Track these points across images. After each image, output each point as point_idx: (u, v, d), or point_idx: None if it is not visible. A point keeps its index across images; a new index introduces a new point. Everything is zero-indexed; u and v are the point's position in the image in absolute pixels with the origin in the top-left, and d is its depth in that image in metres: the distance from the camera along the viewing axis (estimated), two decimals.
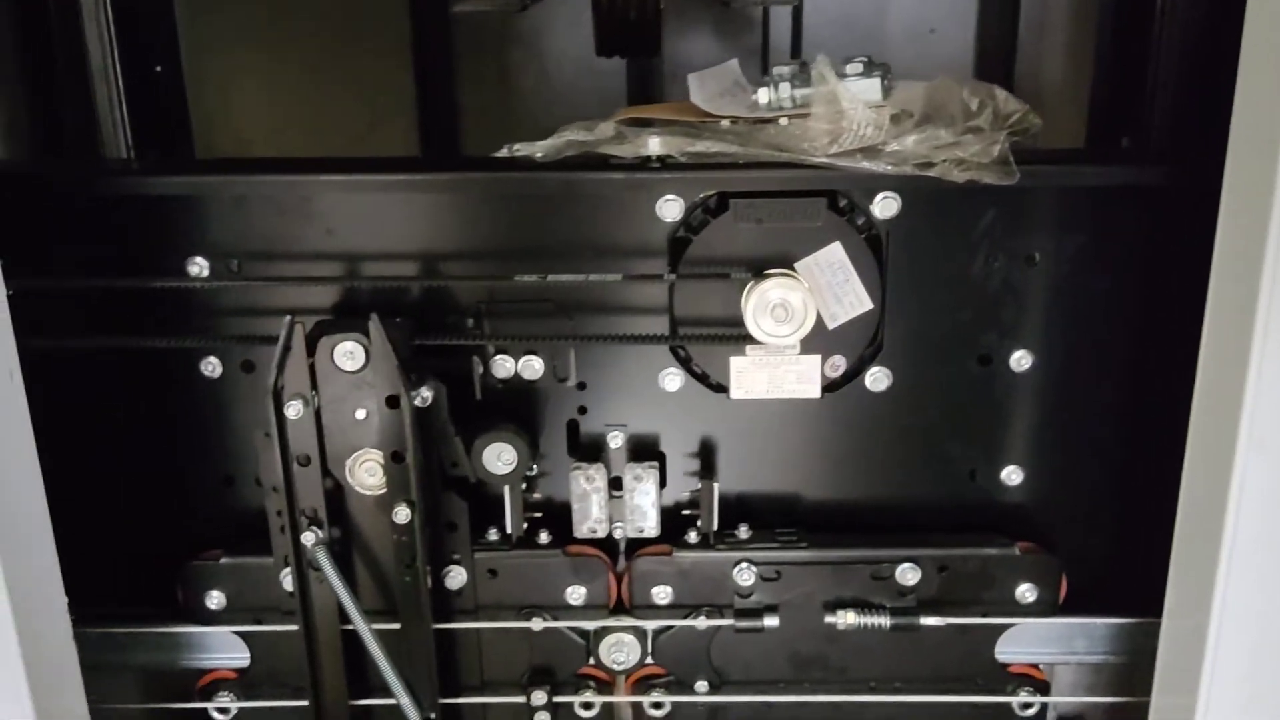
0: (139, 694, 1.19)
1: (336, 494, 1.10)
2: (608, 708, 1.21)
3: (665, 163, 1.05)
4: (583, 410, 1.16)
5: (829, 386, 1.13)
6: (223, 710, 1.20)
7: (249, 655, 1.18)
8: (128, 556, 1.19)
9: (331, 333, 1.04)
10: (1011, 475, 1.16)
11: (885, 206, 1.06)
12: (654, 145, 1.04)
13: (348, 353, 1.04)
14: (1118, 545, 1.18)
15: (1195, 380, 0.92)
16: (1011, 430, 1.15)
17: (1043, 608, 1.14)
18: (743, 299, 1.06)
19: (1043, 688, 1.18)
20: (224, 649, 1.18)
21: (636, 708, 1.21)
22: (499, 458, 1.10)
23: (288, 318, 1.02)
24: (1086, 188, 1.07)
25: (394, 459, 1.07)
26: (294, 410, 1.04)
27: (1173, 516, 0.98)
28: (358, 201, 1.08)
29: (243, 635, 1.17)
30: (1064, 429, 1.15)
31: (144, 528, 1.19)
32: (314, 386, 1.04)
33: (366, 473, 1.08)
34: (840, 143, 1.01)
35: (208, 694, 1.19)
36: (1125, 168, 1.09)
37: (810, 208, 1.06)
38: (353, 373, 1.04)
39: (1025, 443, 1.15)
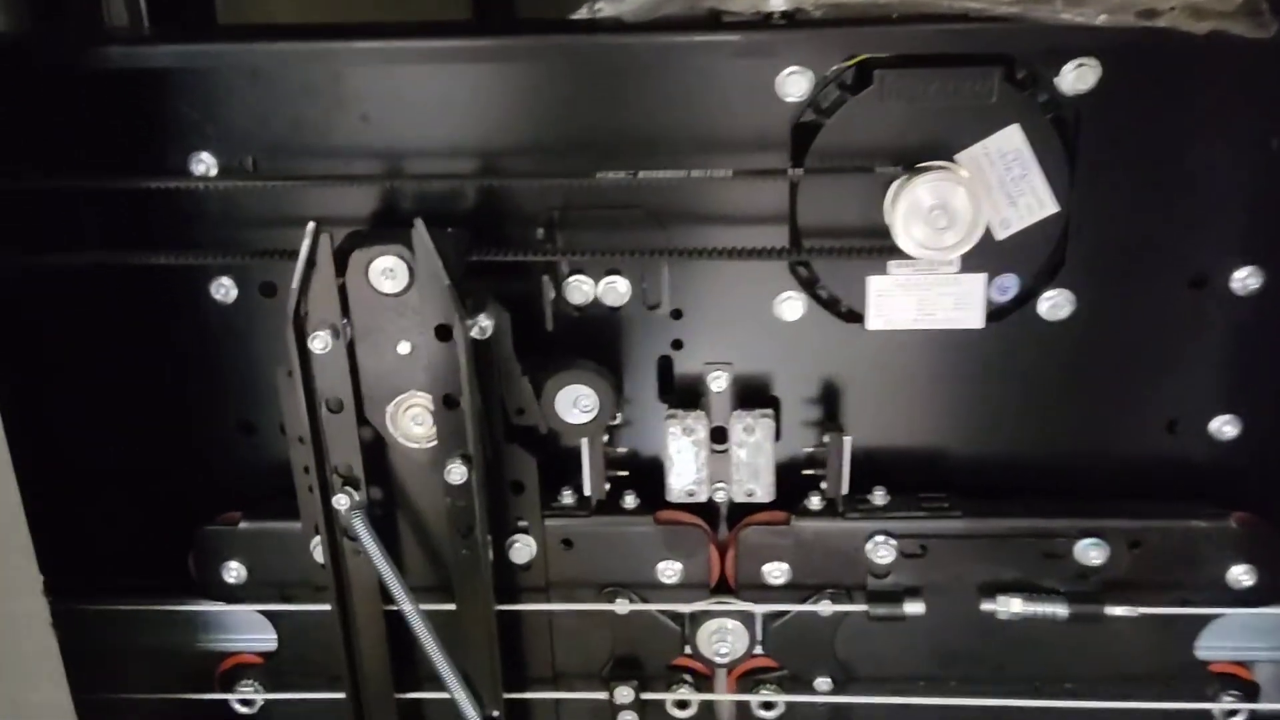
0: (149, 682, 1.00)
1: (377, 448, 0.89)
2: (707, 706, 1.00)
3: (791, 18, 0.81)
4: (678, 344, 0.93)
5: (994, 314, 0.89)
6: (246, 702, 1.00)
7: (276, 638, 0.98)
8: (130, 521, 0.99)
9: (366, 245, 0.82)
10: (1224, 428, 0.92)
11: (1080, 77, 0.81)
12: None
13: (386, 270, 0.82)
14: None
15: None
16: (1226, 371, 0.90)
17: (1262, 593, 0.90)
18: (888, 200, 0.82)
19: (1251, 691, 0.94)
20: (246, 630, 0.98)
21: (742, 707, 0.99)
22: (575, 403, 0.88)
23: (311, 225, 0.80)
24: None
25: (446, 404, 0.85)
26: (320, 343, 0.82)
27: None
28: (399, 78, 0.86)
29: (268, 615, 0.97)
30: None
31: (148, 486, 1.00)
32: (345, 313, 0.83)
33: (413, 421, 0.87)
34: None
35: (229, 682, 1.00)
36: None
37: (980, 79, 0.81)
38: (393, 295, 0.83)
39: (1243, 387, 0.91)
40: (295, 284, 0.81)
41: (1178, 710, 0.94)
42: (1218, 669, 0.95)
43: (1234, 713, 0.95)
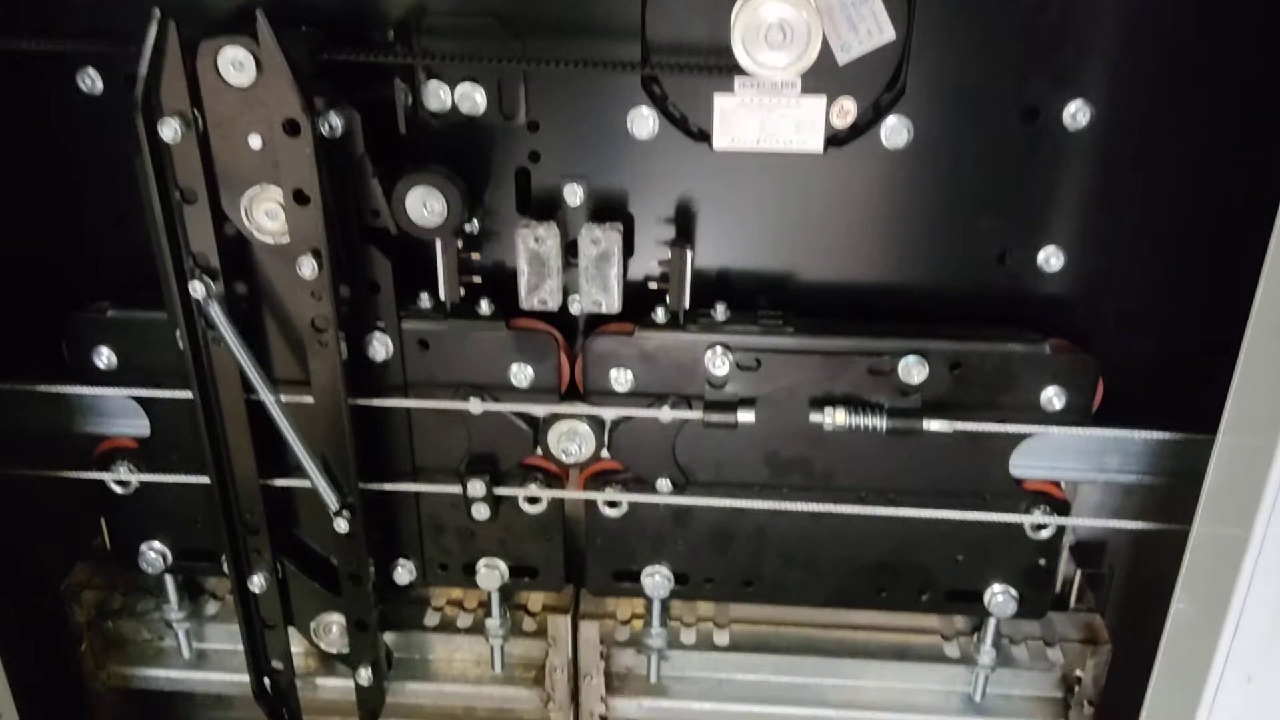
0: (28, 462, 1.05)
1: (240, 245, 0.92)
2: (556, 504, 1.06)
3: None
4: (535, 157, 0.96)
5: (834, 139, 0.92)
6: (121, 483, 1.06)
7: (149, 424, 1.03)
8: (9, 309, 1.03)
9: (213, 35, 0.83)
10: (1050, 259, 0.96)
11: None
12: None
13: (235, 62, 0.84)
14: (1168, 350, 0.99)
15: None
16: (1056, 204, 0.94)
17: (1072, 416, 0.96)
18: (732, 17, 0.84)
19: (1061, 508, 1.01)
20: (120, 415, 1.04)
21: (589, 506, 1.06)
22: (425, 205, 0.91)
23: (156, 12, 0.82)
24: None
25: (296, 199, 0.88)
26: (171, 131, 0.85)
27: (1238, 320, 0.78)
28: None
29: (139, 401, 1.02)
30: (1120, 206, 0.94)
31: (21, 275, 1.03)
32: (196, 104, 0.85)
33: (266, 215, 0.90)
34: None
35: (105, 463, 1.05)
36: None
37: None
38: (243, 89, 0.85)
39: (1071, 220, 0.95)
40: (143, 71, 0.83)
41: (990, 523, 1.01)
42: (1031, 487, 1.01)
43: (1042, 527, 1.02)
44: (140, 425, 1.03)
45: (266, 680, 1.12)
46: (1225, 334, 0.79)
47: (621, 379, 0.98)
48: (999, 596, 1.05)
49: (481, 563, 1.09)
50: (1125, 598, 1.14)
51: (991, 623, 1.10)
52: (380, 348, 0.98)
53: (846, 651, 1.15)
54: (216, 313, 0.91)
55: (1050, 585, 1.06)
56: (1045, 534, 1.02)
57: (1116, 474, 1.00)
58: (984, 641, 1.11)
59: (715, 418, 0.98)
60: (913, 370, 0.95)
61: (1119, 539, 1.14)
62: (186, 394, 0.96)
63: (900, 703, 1.15)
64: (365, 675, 1.10)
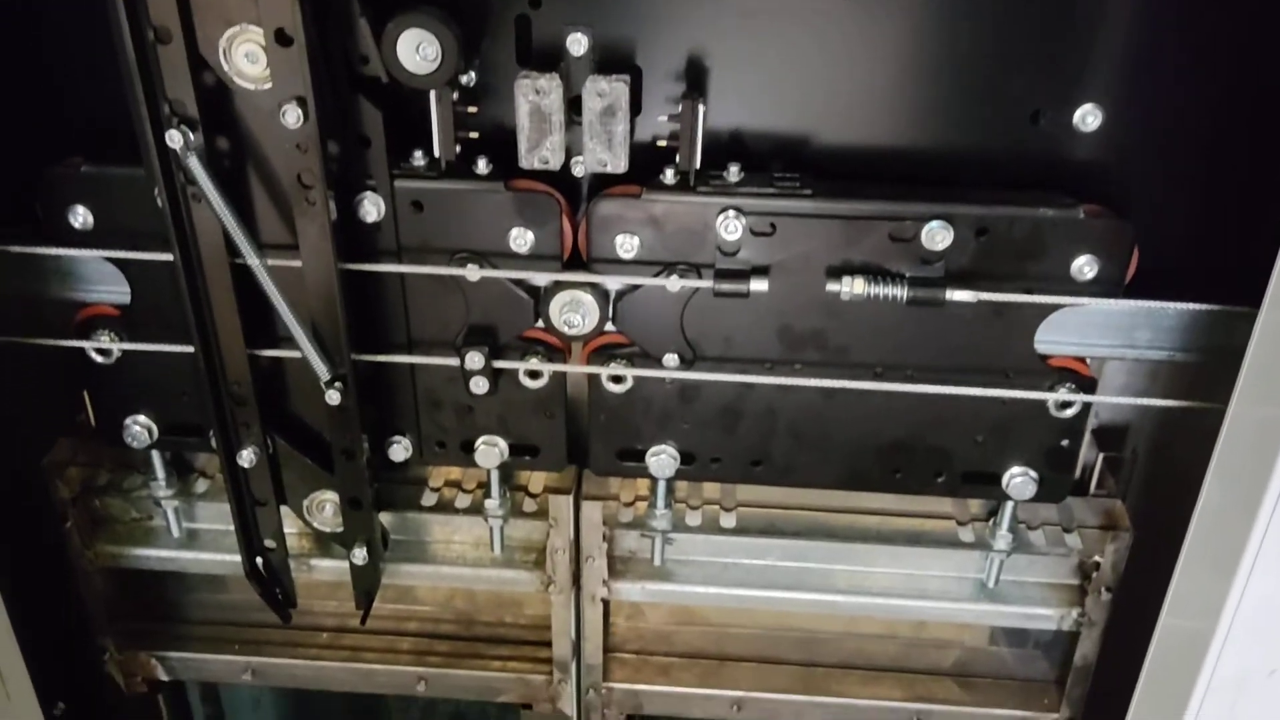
0: (4, 328, 1.00)
1: (220, 95, 0.86)
2: (558, 379, 1.01)
3: None
4: (535, 3, 0.90)
5: None
6: (103, 352, 1.01)
7: (129, 290, 0.98)
8: None
9: None
10: (1086, 118, 0.90)
11: None
12: None
13: None
14: (1208, 218, 0.94)
15: None
16: (1094, 57, 0.88)
17: (1104, 286, 0.91)
18: None
19: (1088, 385, 0.96)
20: (98, 280, 0.98)
21: (592, 382, 1.01)
22: (418, 50, 0.85)
23: None
24: None
25: (279, 39, 0.81)
26: None
27: None
28: None
29: (118, 265, 0.97)
30: (1163, 60, 0.87)
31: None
32: None
33: (246, 59, 0.84)
34: None
35: (85, 332, 1.00)
36: None
37: None
38: None
39: (1110, 76, 0.88)
40: None
41: (1012, 400, 0.97)
42: (1057, 363, 0.96)
43: (1067, 405, 0.97)
44: (121, 291, 0.98)
45: (259, 560, 1.08)
46: (1271, 201, 0.74)
47: (627, 245, 0.93)
48: (1018, 478, 1.01)
49: (480, 440, 1.04)
50: (1148, 484, 1.09)
51: (1009, 506, 1.06)
52: (371, 208, 0.92)
53: (857, 536, 1.11)
54: (196, 166, 0.85)
55: (1071, 468, 1.02)
56: (1070, 413, 0.97)
57: (1147, 350, 0.95)
58: (1000, 526, 1.07)
59: (726, 287, 0.93)
60: (936, 236, 0.89)
61: (1142, 423, 1.10)
62: (167, 256, 0.91)
63: (911, 589, 1.12)
64: (360, 555, 1.07)
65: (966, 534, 1.10)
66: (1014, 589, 1.12)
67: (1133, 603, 1.07)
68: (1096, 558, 1.07)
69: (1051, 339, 0.95)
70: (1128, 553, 1.06)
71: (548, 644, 1.20)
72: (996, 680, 1.21)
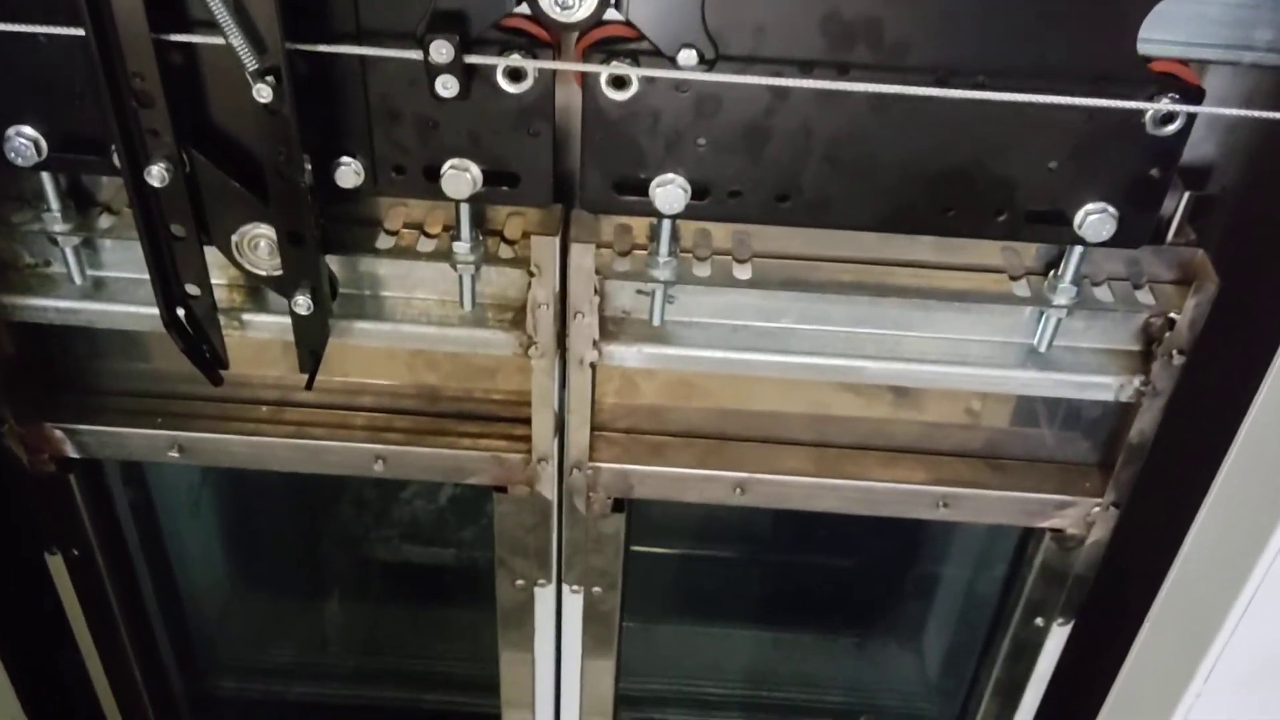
0: None
1: None
2: (545, 84, 0.82)
3: None
4: None
5: None
6: None
7: None
8: None
9: None
10: None
11: None
12: None
13: None
14: None
15: None
16: None
17: None
18: None
19: (1194, 96, 0.79)
20: None
21: (587, 89, 0.82)
22: None
23: None
24: None
25: None
26: None
27: None
28: None
29: None
30: None
31: None
32: None
33: None
34: None
35: None
36: None
37: None
38: None
39: None
40: None
41: (1103, 115, 0.79)
42: (1159, 67, 0.79)
43: (1170, 119, 0.80)
44: None
45: (180, 311, 0.90)
46: None
47: None
48: (1095, 215, 0.84)
49: (448, 164, 0.86)
50: (1234, 232, 0.94)
51: (1075, 253, 0.90)
52: None
53: (892, 292, 0.95)
54: None
55: (1157, 204, 0.85)
56: (1171, 129, 0.80)
57: (1266, 53, 0.78)
58: (1064, 278, 0.91)
59: None
60: None
61: (1229, 163, 0.94)
62: None
63: (949, 353, 0.97)
64: (303, 303, 0.89)
65: (1021, 288, 0.94)
66: (1066, 355, 0.97)
67: (1210, 366, 0.93)
68: (1172, 314, 0.92)
69: (1157, 37, 0.77)
70: (1209, 309, 0.91)
71: (525, 420, 1.04)
72: (1032, 463, 1.08)
